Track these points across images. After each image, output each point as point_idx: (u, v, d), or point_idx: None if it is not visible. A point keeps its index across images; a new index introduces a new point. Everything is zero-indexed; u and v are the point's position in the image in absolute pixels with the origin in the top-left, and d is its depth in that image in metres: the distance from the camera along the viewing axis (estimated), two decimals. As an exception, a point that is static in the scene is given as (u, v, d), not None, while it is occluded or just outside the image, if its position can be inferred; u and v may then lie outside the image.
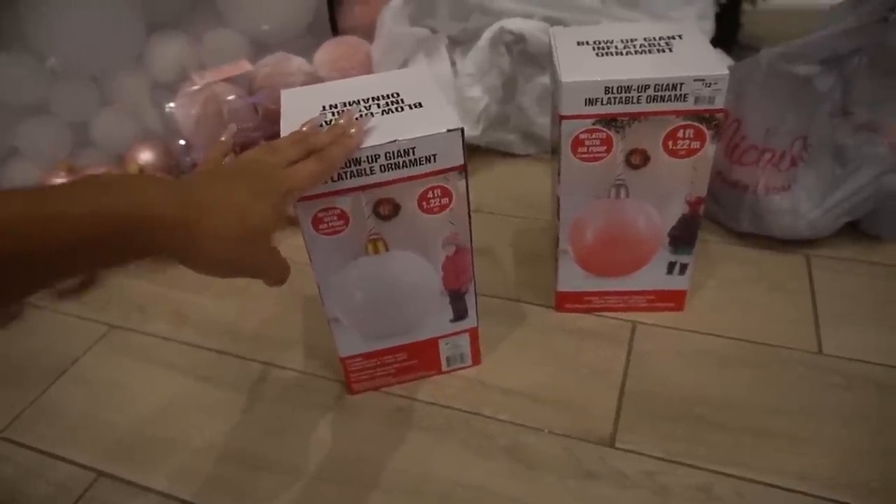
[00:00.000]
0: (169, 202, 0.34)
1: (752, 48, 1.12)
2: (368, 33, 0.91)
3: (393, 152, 0.45)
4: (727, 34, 1.03)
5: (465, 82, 0.83)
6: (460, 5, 0.84)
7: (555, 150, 0.57)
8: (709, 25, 0.89)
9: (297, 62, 0.87)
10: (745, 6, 1.07)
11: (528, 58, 0.85)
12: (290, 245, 0.79)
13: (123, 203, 0.33)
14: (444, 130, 0.45)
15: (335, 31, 1.00)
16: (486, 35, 0.81)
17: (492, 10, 0.83)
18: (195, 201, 0.36)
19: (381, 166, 0.45)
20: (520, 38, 0.82)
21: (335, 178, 0.45)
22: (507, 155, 0.92)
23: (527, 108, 0.87)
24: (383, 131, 0.45)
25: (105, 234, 0.32)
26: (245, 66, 0.85)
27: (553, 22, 0.83)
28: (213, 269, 0.39)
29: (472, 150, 0.89)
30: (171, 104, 0.83)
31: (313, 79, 0.87)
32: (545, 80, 0.86)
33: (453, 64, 0.86)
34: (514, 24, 0.81)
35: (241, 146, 0.76)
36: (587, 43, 0.55)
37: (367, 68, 0.89)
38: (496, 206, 0.81)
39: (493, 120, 0.88)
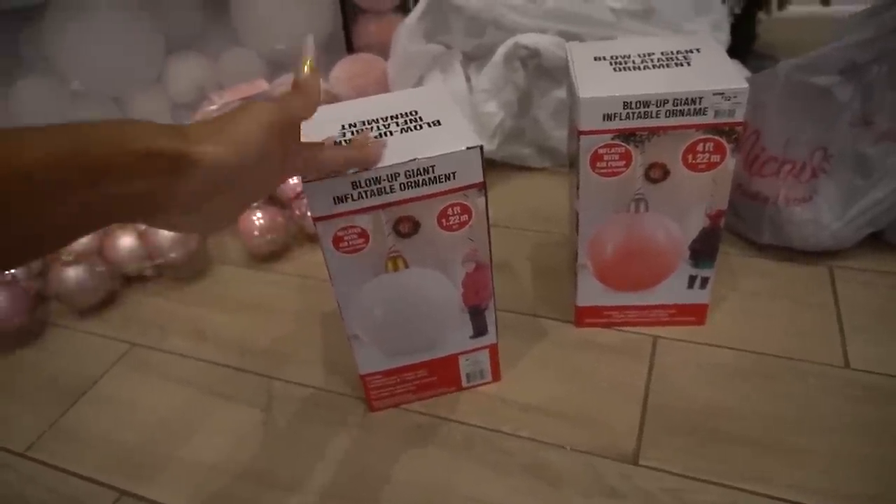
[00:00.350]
0: (164, 134, 0.32)
1: (767, 57, 1.12)
2: (384, 50, 0.92)
3: (413, 171, 0.45)
4: (742, 44, 1.03)
5: (481, 98, 0.84)
6: (475, 21, 0.85)
7: (572, 164, 0.57)
8: (724, 36, 0.89)
9: (313, 80, 0.87)
10: (760, 16, 1.07)
11: (543, 72, 0.85)
12: (309, 262, 0.80)
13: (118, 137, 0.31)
14: (464, 148, 0.45)
15: (350, 48, 1.01)
16: (501, 51, 0.82)
17: (506, 25, 0.83)
18: (192, 132, 0.33)
19: (400, 184, 0.45)
20: (534, 53, 0.82)
21: (355, 197, 0.45)
22: (522, 169, 0.92)
23: (542, 121, 0.88)
24: (403, 150, 0.45)
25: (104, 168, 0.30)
26: (262, 86, 0.86)
27: (567, 36, 0.83)
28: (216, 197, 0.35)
29: (488, 165, 0.87)
30: (190, 124, 0.84)
31: (329, 96, 0.88)
32: (560, 93, 0.86)
33: (468, 80, 0.87)
34: (529, 39, 0.81)
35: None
36: (604, 58, 0.55)
37: (383, 85, 0.90)
38: (513, 220, 0.81)
39: (509, 134, 0.88)
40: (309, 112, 0.40)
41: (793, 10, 1.06)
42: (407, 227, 0.47)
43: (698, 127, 0.50)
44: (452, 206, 0.47)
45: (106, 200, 0.30)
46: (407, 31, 0.85)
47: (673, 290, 0.60)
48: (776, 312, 0.63)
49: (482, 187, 0.47)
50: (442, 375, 0.57)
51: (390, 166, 0.44)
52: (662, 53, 0.54)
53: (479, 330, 0.55)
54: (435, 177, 0.45)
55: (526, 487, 0.51)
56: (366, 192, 0.45)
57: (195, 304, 0.75)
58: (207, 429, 0.59)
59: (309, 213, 0.54)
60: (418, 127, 0.48)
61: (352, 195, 0.45)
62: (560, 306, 0.66)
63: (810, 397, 0.55)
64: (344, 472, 0.53)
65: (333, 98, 0.89)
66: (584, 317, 0.63)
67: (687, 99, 0.49)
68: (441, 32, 0.88)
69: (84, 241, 0.77)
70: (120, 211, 0.31)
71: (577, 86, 0.51)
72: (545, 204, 0.84)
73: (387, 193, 0.45)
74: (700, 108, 0.49)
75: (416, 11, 0.86)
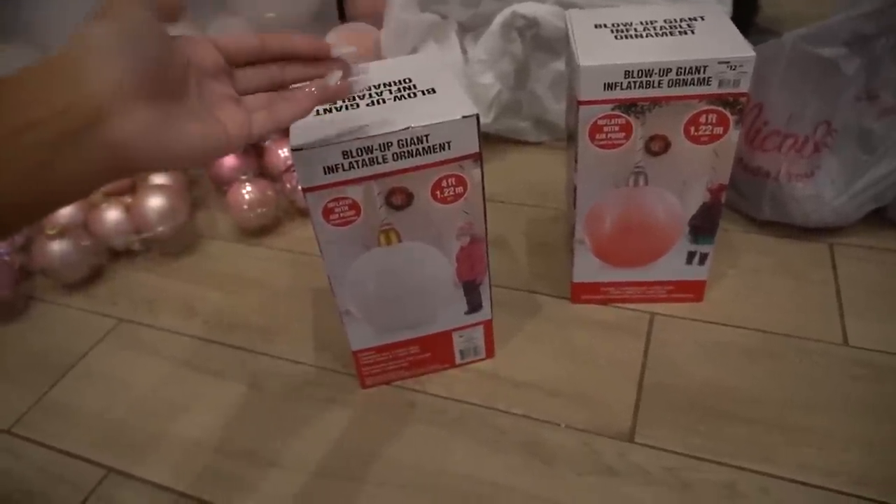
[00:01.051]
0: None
1: (770, 31, 1.09)
2: (377, 20, 0.89)
3: (406, 140, 0.43)
4: (745, 17, 1.00)
5: (477, 69, 0.82)
6: (471, -10, 0.82)
7: (571, 137, 0.56)
8: (727, 8, 0.86)
9: (304, 50, 0.85)
10: (763, -12, 1.04)
11: (542, 43, 0.82)
12: (300, 237, 0.78)
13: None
14: (459, 117, 0.43)
15: (343, 17, 0.98)
16: (498, 20, 0.79)
17: (503, -7, 0.81)
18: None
19: (393, 154, 0.44)
20: (532, 23, 0.80)
21: (346, 167, 0.43)
22: (519, 143, 0.90)
23: (540, 94, 0.85)
24: (396, 118, 0.43)
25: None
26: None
27: (566, 5, 0.81)
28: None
29: (484, 138, 0.85)
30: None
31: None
32: (559, 65, 0.84)
33: (464, 51, 0.84)
34: (527, 8, 0.79)
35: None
36: (605, 26, 0.53)
37: (376, 55, 0.87)
38: (509, 195, 0.80)
39: (506, 107, 0.86)
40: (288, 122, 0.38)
41: (796, -19, 1.03)
42: (400, 199, 0.46)
43: (702, 97, 0.49)
44: (447, 177, 0.46)
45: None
46: (401, 1, 0.83)
47: (671, 266, 0.59)
48: (775, 289, 0.63)
49: (478, 158, 0.45)
50: (435, 352, 0.56)
51: (383, 135, 0.43)
52: (665, 21, 0.52)
53: (474, 306, 0.54)
54: (429, 146, 0.44)
55: (521, 465, 0.50)
56: (357, 161, 0.43)
57: (183, 280, 0.73)
58: (196, 405, 0.58)
59: (299, 186, 0.52)
60: (412, 95, 0.46)
61: (342, 165, 0.43)
62: (556, 282, 0.65)
63: (809, 375, 0.54)
64: (335, 450, 0.52)
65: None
66: (581, 293, 0.62)
67: (691, 68, 0.47)
68: (436, 1, 0.85)
69: (68, 214, 0.75)
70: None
71: (577, 54, 0.49)
72: (542, 179, 0.82)
73: (379, 164, 0.44)
74: (704, 78, 0.48)
75: (411, -21, 0.83)
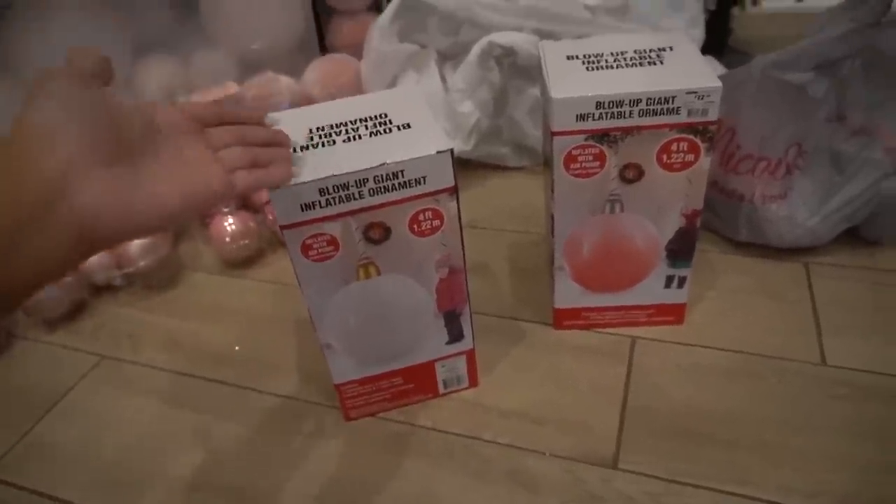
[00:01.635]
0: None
1: (742, 52, 1.12)
2: (357, 51, 0.90)
3: (382, 175, 0.44)
4: (718, 40, 1.02)
5: (456, 98, 0.83)
6: (449, 20, 0.83)
7: (547, 163, 0.56)
8: (699, 33, 0.89)
9: (285, 82, 0.86)
10: (735, 11, 1.07)
11: (519, 70, 0.84)
12: (283, 267, 0.78)
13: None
14: (434, 152, 0.44)
15: (323, 49, 1.00)
16: (476, 50, 0.81)
17: (481, 23, 0.82)
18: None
19: (370, 190, 0.44)
20: (509, 52, 0.81)
21: (323, 204, 0.44)
22: (499, 168, 0.91)
23: (519, 120, 0.87)
24: (372, 154, 0.44)
25: None
26: (233, 88, 0.85)
27: (543, 34, 0.82)
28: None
29: (465, 164, 0.88)
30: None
31: (302, 97, 0.87)
32: (536, 91, 0.85)
33: (443, 79, 0.86)
34: (504, 37, 0.80)
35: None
36: (577, 57, 0.54)
37: (356, 85, 0.88)
38: (490, 220, 0.80)
39: (486, 133, 0.87)
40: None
41: (767, 4, 1.06)
42: (378, 234, 0.46)
43: (672, 126, 0.50)
44: (424, 210, 0.46)
45: None
46: (380, 32, 0.84)
47: (651, 290, 0.60)
48: (753, 310, 0.63)
49: (453, 191, 0.46)
50: (418, 382, 0.56)
51: (359, 172, 0.43)
52: (636, 52, 0.54)
53: (455, 336, 0.54)
54: (405, 181, 0.44)
55: (506, 495, 0.50)
56: (334, 198, 0.44)
57: (167, 314, 0.73)
58: (181, 443, 0.57)
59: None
60: (388, 130, 0.47)
61: (319, 202, 0.44)
62: (538, 308, 0.66)
63: (788, 396, 0.55)
64: (322, 484, 0.52)
65: (307, 99, 0.87)
66: (563, 319, 0.63)
67: (660, 98, 0.48)
68: (415, 31, 0.86)
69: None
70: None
71: (550, 86, 0.50)
72: (523, 203, 0.83)
73: (356, 199, 0.44)
74: (673, 108, 0.49)
75: (389, 11, 0.84)
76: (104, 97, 0.32)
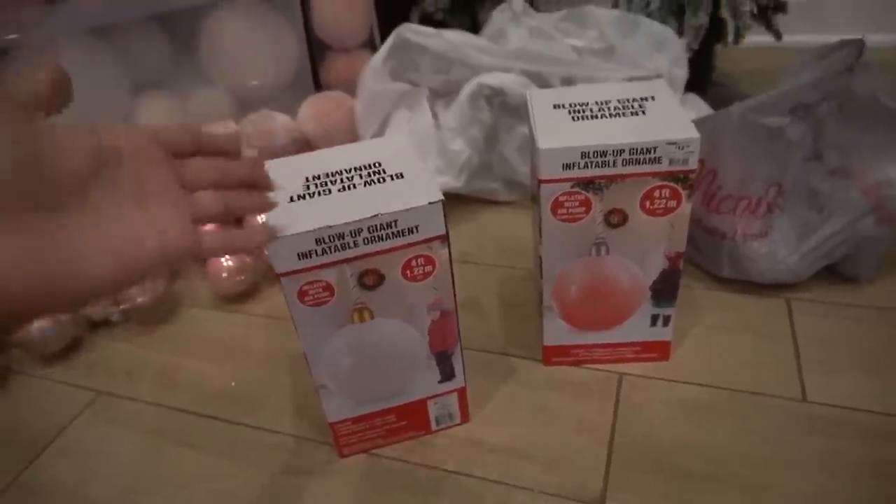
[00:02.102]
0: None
1: (726, 87, 1.15)
2: (351, 87, 0.93)
3: (376, 225, 0.45)
4: (701, 77, 1.06)
5: (448, 136, 0.85)
6: (441, 60, 0.86)
7: (534, 199, 0.59)
8: (682, 72, 0.91)
9: (280, 119, 0.88)
10: (718, 48, 1.10)
11: (508, 109, 0.86)
12: (279, 302, 0.80)
13: None
14: (426, 203, 0.46)
15: (318, 86, 1.02)
16: (466, 90, 0.83)
17: (471, 64, 0.85)
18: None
19: (364, 239, 0.46)
20: (499, 92, 0.84)
21: (319, 253, 0.45)
22: (490, 202, 0.93)
23: (509, 157, 0.89)
24: (366, 204, 0.46)
25: None
26: (230, 126, 0.87)
27: (531, 75, 0.85)
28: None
29: (456, 199, 0.90)
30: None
31: (297, 134, 0.89)
32: (525, 129, 0.87)
33: (435, 116, 0.88)
34: (493, 79, 0.83)
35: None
36: (563, 106, 0.56)
37: (350, 122, 0.91)
38: (481, 255, 0.82)
39: (477, 169, 0.89)
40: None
41: (747, 40, 1.09)
42: (372, 280, 0.48)
43: (654, 175, 0.52)
44: (416, 257, 0.48)
45: None
46: (373, 72, 0.87)
47: (637, 328, 0.61)
48: (736, 346, 0.65)
49: (445, 239, 0.48)
50: (411, 420, 0.58)
51: (354, 222, 0.45)
52: (619, 101, 0.56)
53: (447, 374, 0.56)
54: (398, 231, 0.46)
55: (496, 532, 0.51)
56: (329, 247, 0.45)
57: (163, 350, 0.74)
58: (176, 480, 0.58)
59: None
60: (381, 180, 0.49)
61: (316, 251, 0.45)
62: (529, 344, 0.67)
63: (771, 432, 0.56)
64: (314, 523, 0.53)
65: (301, 135, 0.89)
66: (552, 355, 0.64)
67: (642, 149, 0.51)
68: (407, 70, 0.89)
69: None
70: None
71: (537, 136, 0.52)
72: (513, 237, 0.85)
73: (351, 248, 0.46)
74: (655, 157, 0.51)
75: (382, 51, 0.87)
76: (20, 129, 0.25)
